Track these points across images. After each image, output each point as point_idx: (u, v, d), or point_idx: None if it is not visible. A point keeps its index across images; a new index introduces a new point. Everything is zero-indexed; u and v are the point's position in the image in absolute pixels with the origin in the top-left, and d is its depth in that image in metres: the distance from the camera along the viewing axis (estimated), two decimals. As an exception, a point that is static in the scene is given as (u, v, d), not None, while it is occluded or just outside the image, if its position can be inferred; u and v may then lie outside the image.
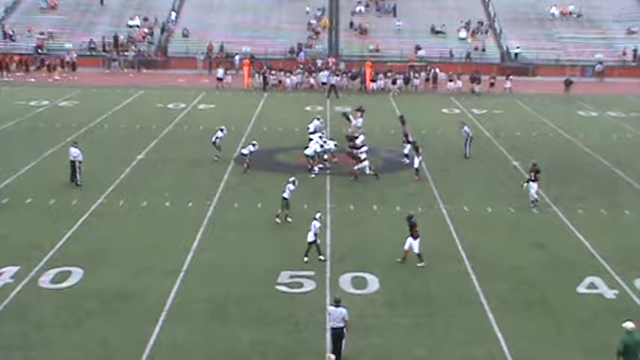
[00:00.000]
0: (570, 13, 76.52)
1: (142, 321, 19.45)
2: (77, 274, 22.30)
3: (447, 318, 20.09)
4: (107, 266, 22.96)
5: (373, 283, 22.08)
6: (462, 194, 31.06)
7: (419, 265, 23.19)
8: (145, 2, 77.01)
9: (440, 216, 28.38)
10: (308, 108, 50.44)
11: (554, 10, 76.06)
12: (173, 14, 75.03)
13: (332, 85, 56.39)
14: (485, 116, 48.63)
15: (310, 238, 23.44)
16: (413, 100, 54.69)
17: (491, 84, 59.41)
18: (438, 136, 42.16)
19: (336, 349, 17.45)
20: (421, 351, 18.18)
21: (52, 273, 22.32)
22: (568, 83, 59.01)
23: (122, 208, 28.59)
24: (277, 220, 27.05)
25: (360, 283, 22.09)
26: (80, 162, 31.40)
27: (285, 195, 27.00)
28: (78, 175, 31.25)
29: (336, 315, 17.61)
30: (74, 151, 31.55)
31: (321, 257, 23.52)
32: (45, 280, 21.85)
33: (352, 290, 21.55)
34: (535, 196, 29.22)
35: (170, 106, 50.55)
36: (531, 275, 22.99)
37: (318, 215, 24.20)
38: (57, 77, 62.04)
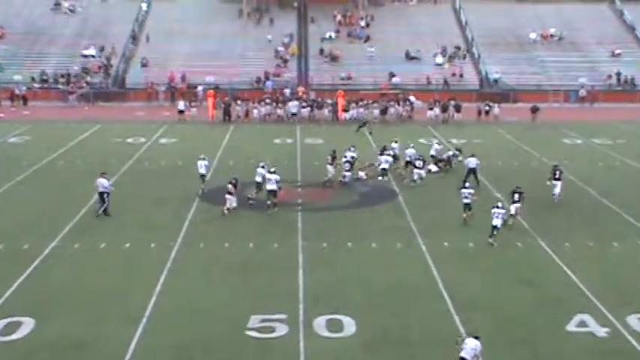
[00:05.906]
0: (551, 35, 77.60)
1: (101, 372, 19.22)
2: (28, 324, 21.95)
3: (428, 361, 20.05)
4: (61, 315, 22.64)
5: (349, 325, 22.00)
6: (441, 228, 31.17)
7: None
8: (101, 31, 77.01)
9: (419, 252, 28.42)
10: (277, 140, 50.51)
11: (533, 35, 77.11)
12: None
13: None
14: (465, 146, 48.88)
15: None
16: (388, 131, 54.84)
17: (487, 112, 59.97)
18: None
19: None
20: (402, 397, 18.12)
21: (0, 324, 22.00)
22: (535, 110, 59.68)
23: (78, 251, 28.31)
24: (465, 221, 31.31)
25: (335, 325, 21.99)
26: (108, 194, 32.28)
27: (467, 200, 31.54)
28: (107, 205, 32.10)
29: (470, 346, 18.14)
30: (103, 182, 32.30)
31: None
32: (-6, 332, 21.55)
33: (327, 334, 21.47)
34: None
35: (129, 140, 50.38)
36: (517, 313, 23.02)
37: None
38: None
